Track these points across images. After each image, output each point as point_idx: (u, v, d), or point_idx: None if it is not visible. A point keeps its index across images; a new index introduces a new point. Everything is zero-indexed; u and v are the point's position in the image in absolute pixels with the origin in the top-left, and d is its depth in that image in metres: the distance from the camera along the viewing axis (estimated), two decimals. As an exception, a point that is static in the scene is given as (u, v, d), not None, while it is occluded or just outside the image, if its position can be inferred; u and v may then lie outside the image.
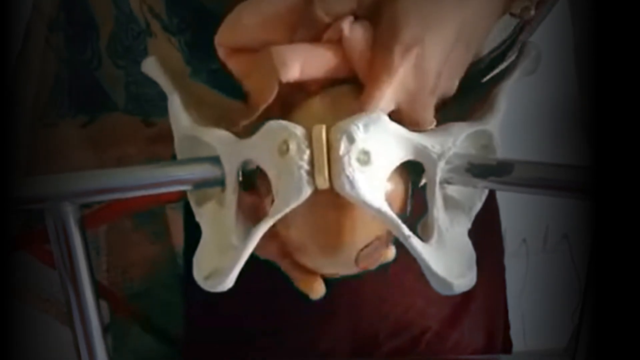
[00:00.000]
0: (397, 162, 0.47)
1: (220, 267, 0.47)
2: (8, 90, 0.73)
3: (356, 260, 0.50)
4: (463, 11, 0.47)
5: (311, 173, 0.45)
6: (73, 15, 0.67)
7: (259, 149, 0.47)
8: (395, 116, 0.48)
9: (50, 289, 0.76)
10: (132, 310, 0.80)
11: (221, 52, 0.52)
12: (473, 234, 0.50)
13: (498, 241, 0.78)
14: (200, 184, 0.50)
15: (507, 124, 0.52)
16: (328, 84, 0.49)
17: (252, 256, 0.47)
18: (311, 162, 0.45)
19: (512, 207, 0.83)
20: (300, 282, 0.53)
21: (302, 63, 0.48)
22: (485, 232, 0.65)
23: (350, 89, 0.49)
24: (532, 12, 0.51)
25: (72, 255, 0.50)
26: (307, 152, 0.45)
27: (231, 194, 0.49)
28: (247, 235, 0.47)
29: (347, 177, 0.44)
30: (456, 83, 0.50)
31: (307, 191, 0.45)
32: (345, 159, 0.44)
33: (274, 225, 0.48)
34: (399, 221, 0.45)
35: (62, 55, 0.69)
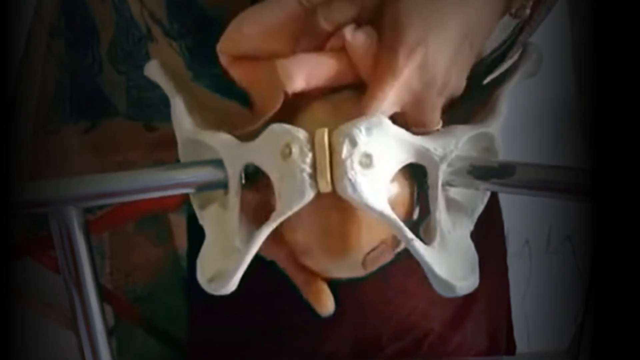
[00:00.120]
0: (399, 165, 0.47)
1: (223, 269, 0.47)
2: (10, 97, 0.73)
3: (363, 264, 0.50)
4: (466, 11, 0.48)
5: (314, 176, 0.45)
6: (74, 21, 0.67)
7: (261, 152, 0.47)
8: (401, 118, 0.48)
9: (51, 293, 0.76)
10: (136, 313, 0.80)
11: (223, 60, 0.52)
12: (475, 236, 0.50)
13: (500, 243, 0.78)
14: (203, 187, 0.51)
15: (508, 126, 0.52)
16: (331, 90, 0.50)
17: (256, 258, 0.47)
18: (314, 166, 0.45)
19: (515, 208, 0.83)
20: (310, 297, 0.53)
21: (307, 74, 0.48)
22: (488, 234, 0.65)
23: (352, 94, 0.49)
24: (527, 12, 0.51)
25: (76, 259, 0.50)
26: (310, 155, 0.45)
27: (234, 196, 0.49)
28: (250, 237, 0.47)
29: (350, 180, 0.45)
30: (464, 82, 0.50)
31: (309, 194, 0.45)
32: (348, 162, 0.45)
33: (280, 229, 0.48)
34: (402, 224, 0.46)
35: (63, 61, 0.69)
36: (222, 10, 0.59)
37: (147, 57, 0.63)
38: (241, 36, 0.51)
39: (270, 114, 0.49)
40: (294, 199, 0.46)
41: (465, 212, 0.51)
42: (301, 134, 0.46)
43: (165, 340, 0.82)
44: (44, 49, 0.69)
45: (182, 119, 0.52)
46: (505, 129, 0.52)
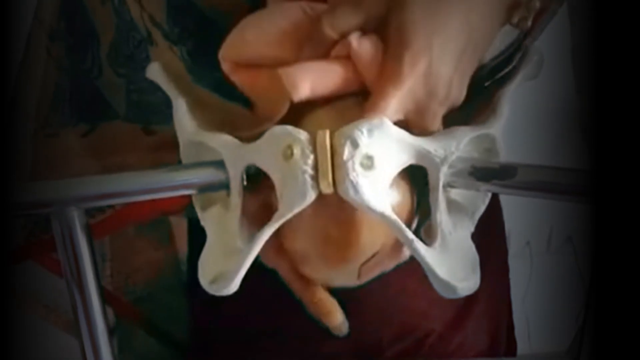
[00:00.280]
0: (401, 167, 0.47)
1: (225, 270, 0.48)
2: (10, 99, 0.73)
3: (359, 275, 0.50)
4: (469, 21, 0.48)
5: (315, 178, 0.45)
6: (74, 25, 0.67)
7: (263, 153, 0.47)
8: (402, 125, 0.48)
9: (51, 296, 0.76)
10: (136, 314, 0.80)
11: (225, 67, 0.52)
12: (476, 237, 0.51)
13: (501, 244, 0.78)
14: (205, 188, 0.51)
15: (510, 127, 0.52)
16: (334, 97, 0.50)
17: (257, 259, 0.47)
18: (315, 167, 0.45)
19: (516, 209, 0.83)
20: (323, 317, 0.53)
21: (312, 82, 0.48)
22: (489, 235, 0.65)
23: (356, 102, 0.49)
24: (529, 24, 0.52)
25: (78, 260, 0.50)
26: (311, 156, 0.45)
27: (236, 197, 0.49)
28: (251, 239, 0.47)
29: (351, 181, 0.45)
30: (464, 92, 0.50)
31: (311, 195, 0.46)
32: (349, 163, 0.45)
33: (279, 238, 0.48)
34: (402, 225, 0.46)
35: (62, 64, 0.69)
36: (222, 14, 0.59)
37: (147, 60, 0.63)
38: (244, 43, 0.51)
39: (275, 120, 0.49)
40: (295, 200, 0.46)
41: (466, 213, 0.51)
42: (303, 135, 0.46)
43: (166, 340, 0.82)
44: (43, 52, 0.69)
45: (184, 121, 0.53)
46: (506, 130, 0.52)
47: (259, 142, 0.47)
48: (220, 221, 0.51)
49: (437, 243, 0.47)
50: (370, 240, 0.49)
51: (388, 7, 0.48)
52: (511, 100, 0.54)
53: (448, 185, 0.48)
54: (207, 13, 0.60)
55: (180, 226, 0.78)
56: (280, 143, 0.46)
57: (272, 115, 0.49)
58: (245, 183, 0.49)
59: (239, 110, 0.54)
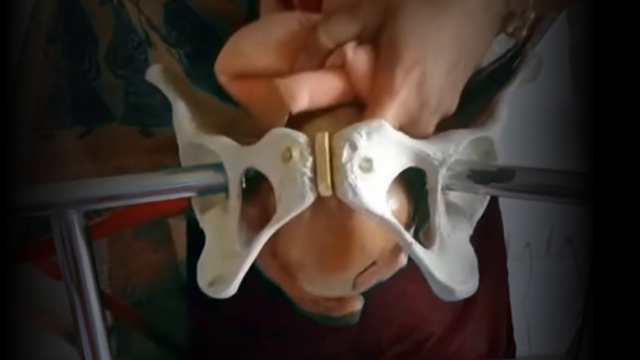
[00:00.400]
0: (399, 170, 0.47)
1: (223, 273, 0.47)
2: (7, 101, 0.73)
3: (354, 285, 0.50)
4: (462, 32, 0.48)
5: (314, 180, 0.45)
6: (72, 26, 0.67)
7: (262, 156, 0.47)
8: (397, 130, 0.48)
9: (47, 301, 0.76)
10: (135, 317, 0.80)
11: (221, 79, 0.52)
12: (475, 239, 0.51)
13: (500, 246, 0.79)
14: (204, 191, 0.51)
15: (508, 130, 0.52)
16: (332, 107, 0.50)
17: (256, 260, 0.47)
18: (314, 169, 0.45)
19: (516, 211, 0.83)
20: (335, 311, 0.53)
21: (311, 93, 0.48)
22: (488, 238, 0.65)
23: (353, 111, 0.49)
24: (524, 33, 0.52)
25: (77, 262, 0.50)
26: (310, 159, 0.45)
27: (234, 200, 0.49)
28: (250, 241, 0.47)
29: (350, 184, 0.45)
30: (456, 102, 0.50)
31: (310, 198, 0.45)
32: (348, 166, 0.45)
33: (275, 248, 0.48)
34: (401, 228, 0.46)
35: (60, 66, 0.69)
36: (219, 19, 0.59)
37: (146, 62, 0.63)
38: (239, 54, 0.51)
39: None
40: (294, 202, 0.46)
41: (464, 216, 0.51)
42: (302, 138, 0.46)
43: (164, 343, 0.82)
44: (41, 53, 0.69)
45: (184, 123, 0.53)
46: (504, 133, 0.52)
47: (258, 144, 0.47)
48: (219, 224, 0.51)
49: (436, 246, 0.47)
50: (368, 248, 0.49)
51: (384, 17, 0.48)
52: (510, 103, 0.54)
53: (446, 187, 0.48)
54: (204, 17, 0.60)
55: (179, 229, 0.78)
56: (279, 145, 0.46)
57: (271, 127, 0.49)
58: (244, 186, 0.49)
59: (238, 112, 0.54)
